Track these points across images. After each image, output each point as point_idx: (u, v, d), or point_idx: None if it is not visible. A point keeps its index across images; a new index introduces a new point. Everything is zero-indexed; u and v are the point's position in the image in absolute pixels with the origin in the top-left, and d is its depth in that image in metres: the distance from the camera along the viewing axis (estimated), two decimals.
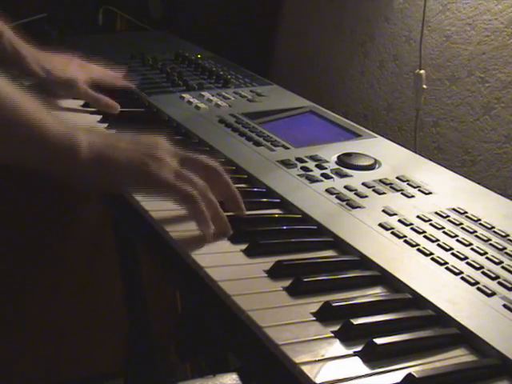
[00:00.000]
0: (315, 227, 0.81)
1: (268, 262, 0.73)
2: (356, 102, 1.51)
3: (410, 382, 0.57)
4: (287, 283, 0.69)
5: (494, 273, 0.72)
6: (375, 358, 0.59)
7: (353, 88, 1.51)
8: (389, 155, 1.02)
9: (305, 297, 0.68)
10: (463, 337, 0.64)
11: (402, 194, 0.89)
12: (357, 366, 0.59)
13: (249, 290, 0.68)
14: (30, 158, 0.78)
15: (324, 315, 0.65)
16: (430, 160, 1.02)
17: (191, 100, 1.22)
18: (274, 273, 0.71)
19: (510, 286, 0.70)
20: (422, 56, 1.29)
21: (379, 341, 0.60)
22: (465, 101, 1.26)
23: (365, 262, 0.75)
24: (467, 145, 1.26)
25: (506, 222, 0.83)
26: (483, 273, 0.72)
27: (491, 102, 1.21)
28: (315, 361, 0.59)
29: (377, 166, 0.98)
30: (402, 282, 0.71)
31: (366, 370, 0.58)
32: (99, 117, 1.13)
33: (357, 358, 0.60)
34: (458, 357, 0.62)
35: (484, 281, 0.71)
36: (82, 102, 1.19)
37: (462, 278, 0.71)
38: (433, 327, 0.65)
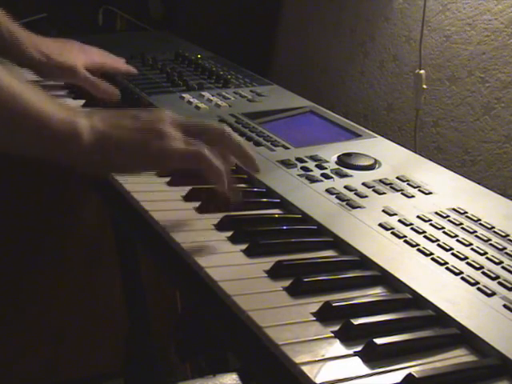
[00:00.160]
0: (315, 227, 0.81)
1: (268, 261, 0.73)
2: (356, 102, 1.51)
3: (410, 382, 0.57)
4: (287, 283, 0.69)
5: (494, 273, 0.72)
6: (375, 357, 0.59)
7: (353, 88, 1.51)
8: (389, 155, 1.02)
9: (305, 297, 0.68)
10: (463, 337, 0.64)
11: (402, 193, 0.89)
12: (357, 366, 0.59)
13: (249, 290, 0.68)
14: (30, 146, 0.77)
15: (324, 315, 0.65)
16: (430, 160, 1.02)
17: (191, 100, 1.22)
18: (274, 273, 0.71)
19: (510, 285, 0.70)
20: (421, 56, 1.29)
21: (379, 341, 0.60)
22: (465, 101, 1.26)
23: (365, 262, 0.75)
24: (467, 145, 1.26)
25: (506, 222, 0.83)
26: (483, 273, 0.72)
27: (491, 102, 1.21)
28: (315, 361, 0.59)
29: (377, 165, 0.98)
30: (402, 282, 0.71)
31: (366, 370, 0.58)
32: None
33: (357, 357, 0.60)
34: (458, 357, 0.62)
35: (484, 281, 0.71)
36: (81, 103, 1.19)
37: (462, 278, 0.71)
38: (433, 327, 0.65)
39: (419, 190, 0.91)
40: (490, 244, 0.78)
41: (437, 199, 0.89)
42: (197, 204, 0.84)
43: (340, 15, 1.54)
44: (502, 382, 0.59)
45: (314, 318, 0.65)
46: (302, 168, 0.95)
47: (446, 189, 0.92)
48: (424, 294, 0.68)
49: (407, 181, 0.93)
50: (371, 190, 0.90)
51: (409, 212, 0.84)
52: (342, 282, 0.71)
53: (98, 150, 0.78)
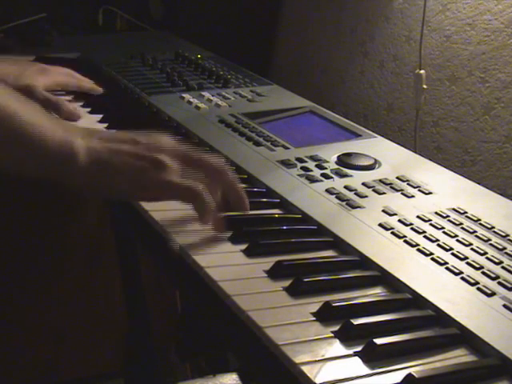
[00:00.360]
0: (315, 227, 0.81)
1: (268, 262, 0.73)
2: (356, 102, 1.51)
3: (410, 382, 0.57)
4: (287, 283, 0.69)
5: (494, 273, 0.72)
6: (375, 358, 0.59)
7: (353, 88, 1.51)
8: (389, 155, 1.02)
9: (305, 297, 0.68)
10: (463, 337, 0.64)
11: (402, 193, 0.89)
12: (357, 366, 0.59)
13: (249, 290, 0.68)
14: (25, 165, 0.76)
15: (324, 315, 0.65)
16: (430, 160, 1.02)
17: (191, 100, 1.22)
18: (274, 273, 0.71)
19: (510, 285, 0.70)
20: (421, 56, 1.29)
21: (379, 341, 0.60)
22: (465, 101, 1.26)
23: (365, 262, 0.75)
24: (467, 145, 1.26)
25: (506, 222, 0.83)
26: (483, 273, 0.72)
27: (491, 101, 1.21)
28: (315, 361, 0.59)
29: (377, 166, 0.98)
30: (402, 282, 0.71)
31: (366, 370, 0.58)
32: (99, 116, 1.13)
33: (357, 358, 0.60)
34: (458, 357, 0.62)
35: (484, 281, 0.71)
36: (81, 103, 1.19)
37: (462, 278, 0.71)
38: (433, 327, 0.65)
39: (419, 190, 0.91)
40: (490, 244, 0.78)
41: (437, 199, 0.89)
42: None
43: (340, 15, 1.54)
44: (502, 382, 0.59)
45: (314, 318, 0.65)
46: (302, 168, 0.95)
47: (446, 189, 0.92)
48: (424, 294, 0.68)
49: (407, 181, 0.93)
50: (371, 190, 0.90)
51: (409, 212, 0.84)
52: (342, 281, 0.71)
53: (93, 172, 0.77)
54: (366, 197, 0.88)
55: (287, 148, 1.03)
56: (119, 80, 1.33)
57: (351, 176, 0.94)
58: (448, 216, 0.84)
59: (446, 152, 1.30)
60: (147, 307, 1.67)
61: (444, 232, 0.80)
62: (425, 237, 0.79)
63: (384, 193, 0.90)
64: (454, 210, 0.85)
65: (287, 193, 0.88)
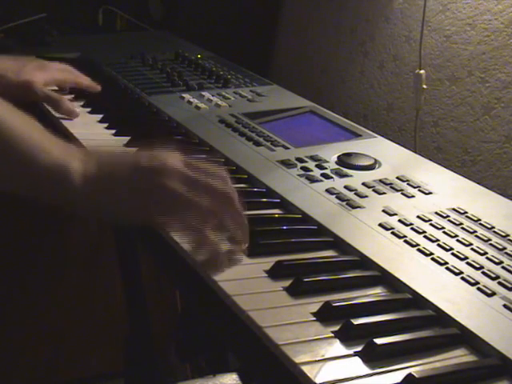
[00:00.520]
0: (315, 227, 0.81)
1: (268, 262, 0.73)
2: (356, 102, 1.51)
3: (410, 382, 0.57)
4: (287, 283, 0.69)
5: (494, 273, 0.72)
6: (375, 358, 0.59)
7: (353, 88, 1.51)
8: (389, 155, 1.02)
9: (305, 297, 0.68)
10: (463, 337, 0.64)
11: (402, 193, 0.89)
12: (357, 366, 0.59)
13: (249, 290, 0.68)
14: (16, 183, 0.74)
15: (324, 315, 0.65)
16: (430, 160, 1.02)
17: (191, 100, 1.22)
18: (274, 273, 0.71)
19: (510, 285, 0.70)
20: (421, 56, 1.29)
21: (379, 341, 0.60)
22: (465, 101, 1.26)
23: (365, 262, 0.75)
24: (467, 145, 1.26)
25: (506, 222, 0.83)
26: (483, 273, 0.72)
27: (491, 101, 1.21)
28: (315, 361, 0.59)
29: (377, 166, 0.98)
30: (402, 281, 0.71)
31: (366, 370, 0.58)
32: (99, 116, 1.13)
33: (357, 358, 0.60)
34: (458, 357, 0.62)
35: (484, 281, 0.71)
36: (81, 102, 1.19)
37: (462, 278, 0.71)
38: (433, 327, 0.65)
39: (419, 190, 0.91)
40: (490, 244, 0.78)
41: (437, 199, 0.89)
42: None
43: (340, 15, 1.54)
44: (502, 382, 0.59)
45: (314, 318, 0.65)
46: (301, 168, 0.95)
47: (446, 189, 0.92)
48: (424, 294, 0.68)
49: (407, 181, 0.93)
50: (371, 190, 0.90)
51: (409, 212, 0.84)
52: (342, 281, 0.71)
53: (88, 198, 0.73)
54: (366, 197, 0.88)
55: (287, 148, 1.03)
56: (119, 80, 1.33)
57: (351, 176, 0.94)
58: (448, 216, 0.84)
59: (446, 152, 1.30)
60: (147, 307, 1.67)
61: (444, 232, 0.80)
62: (425, 237, 0.79)
63: (384, 193, 0.90)
64: (454, 210, 0.85)
65: (287, 193, 0.88)
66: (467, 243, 0.78)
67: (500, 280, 0.71)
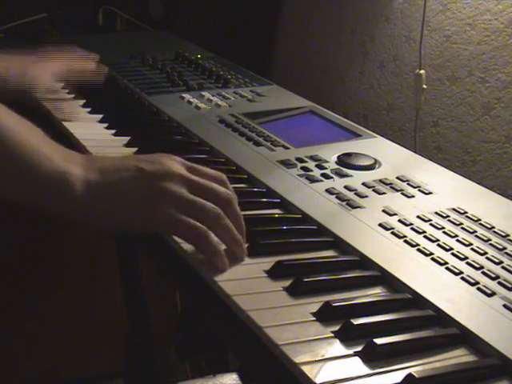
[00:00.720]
0: (315, 227, 0.81)
1: (268, 262, 0.73)
2: (356, 101, 1.51)
3: (410, 382, 0.57)
4: (287, 283, 0.69)
5: (494, 273, 0.72)
6: (375, 358, 0.59)
7: (353, 88, 1.51)
8: (389, 155, 1.02)
9: (305, 297, 0.68)
10: (463, 337, 0.64)
11: (402, 193, 0.89)
12: (357, 366, 0.59)
13: (249, 290, 0.68)
14: (16, 191, 0.72)
15: (324, 315, 0.65)
16: (430, 160, 1.02)
17: (191, 100, 1.22)
18: (274, 273, 0.71)
19: (510, 285, 0.70)
20: (421, 56, 1.29)
21: (379, 341, 0.60)
22: (465, 101, 1.26)
23: (365, 262, 0.75)
24: (467, 145, 1.26)
25: (506, 222, 0.83)
26: (483, 273, 0.72)
27: (491, 102, 1.21)
28: (315, 361, 0.59)
29: (377, 166, 0.98)
30: (402, 281, 0.71)
31: (366, 370, 0.58)
32: (99, 116, 1.13)
33: (357, 358, 0.60)
34: (458, 357, 0.62)
35: (484, 281, 0.71)
36: (81, 102, 1.19)
37: (462, 278, 0.71)
38: (433, 327, 0.65)
39: (419, 190, 0.91)
40: (490, 244, 0.78)
41: (437, 199, 0.89)
42: None
43: (340, 15, 1.54)
44: (502, 382, 0.59)
45: (314, 318, 0.64)
46: (302, 168, 0.95)
47: (446, 189, 0.92)
48: (424, 294, 0.68)
49: (407, 181, 0.93)
50: (371, 190, 0.90)
51: (409, 212, 0.84)
52: (342, 281, 0.71)
53: (91, 205, 0.72)
54: (366, 197, 0.88)
55: (287, 148, 1.03)
56: (119, 80, 1.33)
57: (351, 176, 0.94)
58: (448, 216, 0.84)
59: (446, 152, 1.30)
60: (147, 308, 1.67)
61: (444, 232, 0.80)
62: (425, 237, 0.79)
63: (384, 193, 0.90)
64: (454, 210, 0.85)
65: (287, 193, 0.88)
66: (467, 243, 0.78)
67: (500, 280, 0.71)
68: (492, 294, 0.69)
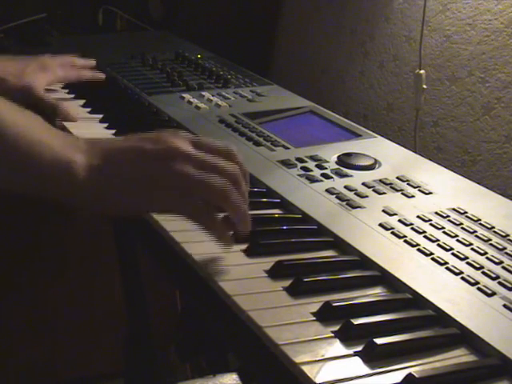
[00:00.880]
0: (315, 227, 0.81)
1: (268, 262, 0.73)
2: (356, 102, 1.51)
3: (410, 382, 0.57)
4: (287, 283, 0.69)
5: (494, 273, 0.72)
6: (375, 357, 0.59)
7: (353, 88, 1.51)
8: (389, 155, 1.02)
9: (305, 297, 0.68)
10: (463, 337, 0.64)
11: (402, 193, 0.89)
12: (357, 366, 0.59)
13: (249, 290, 0.68)
14: (18, 181, 0.71)
15: (324, 315, 0.65)
16: (430, 160, 1.02)
17: (191, 100, 1.22)
18: (274, 273, 0.71)
19: (509, 285, 0.70)
20: (421, 56, 1.29)
21: (379, 341, 0.60)
22: (465, 101, 1.26)
23: (365, 262, 0.75)
24: (467, 145, 1.26)
25: (506, 222, 0.83)
26: (483, 273, 0.72)
27: (491, 102, 1.21)
28: (315, 361, 0.59)
29: (377, 166, 0.98)
30: (402, 281, 0.71)
31: (366, 369, 0.58)
32: (99, 116, 1.13)
33: (357, 357, 0.60)
34: (458, 357, 0.62)
35: (484, 281, 0.71)
36: (81, 102, 1.19)
37: (462, 278, 0.71)
38: (433, 327, 0.65)
39: (419, 190, 0.91)
40: (490, 244, 0.78)
41: (437, 199, 0.89)
42: None
43: (340, 15, 1.54)
44: (502, 382, 0.59)
45: (314, 318, 0.65)
46: (302, 168, 0.95)
47: (446, 189, 0.92)
48: (424, 294, 0.68)
49: (407, 181, 0.93)
50: (371, 190, 0.90)
51: (409, 212, 0.84)
52: (341, 282, 0.71)
53: (94, 190, 0.71)
54: (366, 197, 0.88)
55: (287, 148, 1.03)
56: (119, 80, 1.33)
57: (351, 176, 0.94)
58: (448, 216, 0.84)
59: (446, 152, 1.30)
60: (147, 307, 1.67)
61: (444, 232, 0.80)
62: (425, 237, 0.79)
63: (384, 193, 0.90)
64: (454, 210, 0.85)
65: (287, 193, 0.88)
66: (467, 243, 0.78)
67: (500, 280, 0.71)
68: (492, 294, 0.69)
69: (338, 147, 1.03)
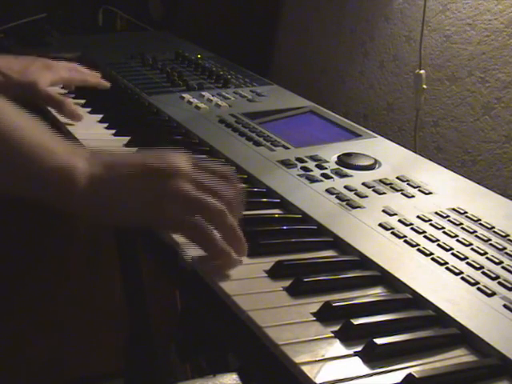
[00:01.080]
0: (315, 227, 0.81)
1: (268, 262, 0.73)
2: (356, 102, 1.51)
3: (410, 382, 0.57)
4: (287, 283, 0.69)
5: (494, 273, 0.72)
6: (375, 358, 0.59)
7: (353, 88, 1.51)
8: (389, 155, 1.02)
9: (305, 297, 0.68)
10: (463, 337, 0.64)
11: (402, 194, 0.89)
12: (357, 366, 0.59)
13: (249, 290, 0.68)
14: (18, 186, 0.71)
15: (324, 315, 0.65)
16: (430, 160, 1.02)
17: (191, 100, 1.22)
18: (274, 273, 0.71)
19: (510, 285, 0.70)
20: (421, 56, 1.29)
21: (379, 341, 0.60)
22: (465, 101, 1.26)
23: (365, 262, 0.75)
24: (467, 145, 1.26)
25: (506, 222, 0.83)
26: (483, 273, 0.72)
27: (491, 102, 1.21)
28: (315, 361, 0.59)
29: (377, 166, 0.98)
30: (402, 281, 0.71)
31: (366, 370, 0.58)
32: (99, 116, 1.13)
33: (357, 358, 0.60)
34: (458, 357, 0.62)
35: (484, 281, 0.71)
36: (81, 102, 1.19)
37: (462, 278, 0.71)
38: (433, 327, 0.65)
39: (419, 190, 0.91)
40: (490, 244, 0.78)
41: (437, 199, 0.89)
42: None
43: (340, 15, 1.54)
44: (502, 382, 0.59)
45: (314, 318, 0.65)
46: (302, 168, 0.95)
47: (446, 189, 0.92)
48: (424, 294, 0.68)
49: (407, 181, 0.93)
50: (371, 190, 0.90)
51: (409, 212, 0.84)
52: (342, 281, 0.71)
53: (94, 200, 0.71)
54: (366, 197, 0.88)
55: (287, 148, 1.03)
56: (119, 80, 1.33)
57: (351, 176, 0.94)
58: (448, 216, 0.84)
59: (446, 152, 1.30)
60: (147, 307, 1.67)
61: (444, 232, 0.80)
62: (425, 237, 0.79)
63: (384, 193, 0.90)
64: (453, 210, 0.85)
65: (287, 193, 0.88)
66: (467, 243, 0.78)
67: (500, 280, 0.71)
68: (492, 294, 0.69)
69: (338, 147, 1.03)
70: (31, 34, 1.63)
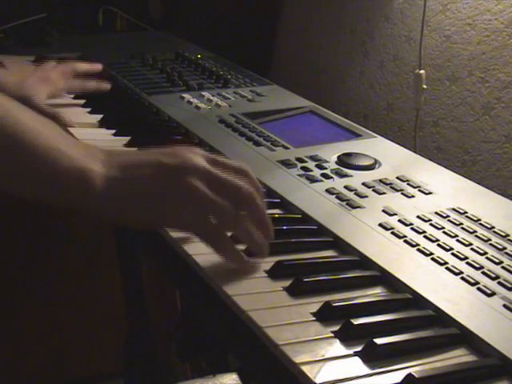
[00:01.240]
0: (315, 227, 0.81)
1: (268, 262, 0.73)
2: (356, 102, 1.51)
3: (410, 382, 0.57)
4: (287, 283, 0.69)
5: (494, 273, 0.72)
6: (375, 358, 0.59)
7: (353, 88, 1.51)
8: (389, 155, 1.02)
9: (305, 297, 0.68)
10: (463, 337, 0.64)
11: (402, 194, 0.89)
12: (357, 366, 0.59)
13: (249, 290, 0.68)
14: (34, 189, 0.71)
15: (324, 315, 0.65)
16: (430, 160, 1.02)
17: (191, 100, 1.22)
18: (274, 273, 0.71)
19: (510, 285, 0.70)
20: (421, 56, 1.29)
21: (379, 341, 0.60)
22: (465, 101, 1.26)
23: (365, 262, 0.75)
24: (467, 145, 1.26)
25: (506, 222, 0.83)
26: (483, 273, 0.72)
27: (491, 102, 1.21)
28: (315, 361, 0.59)
29: (377, 166, 0.98)
30: (402, 281, 0.71)
31: (366, 370, 0.58)
32: (99, 116, 1.13)
33: (357, 358, 0.60)
34: (458, 357, 0.62)
35: (484, 281, 0.71)
36: (81, 102, 1.19)
37: (462, 278, 0.71)
38: (433, 327, 0.65)
39: (419, 190, 0.91)
40: (490, 244, 0.78)
41: (437, 199, 0.89)
42: None
43: (340, 15, 1.54)
44: (502, 382, 0.59)
45: (314, 318, 0.65)
46: (302, 168, 0.95)
47: (446, 189, 0.92)
48: (424, 294, 0.68)
49: (407, 181, 0.93)
50: (371, 190, 0.90)
51: (409, 212, 0.84)
52: (342, 281, 0.71)
53: (110, 202, 0.70)
54: (366, 197, 0.88)
55: (287, 148, 1.03)
56: (119, 80, 1.33)
57: (351, 176, 0.94)
58: (448, 216, 0.84)
59: (446, 152, 1.30)
60: (147, 307, 1.67)
61: (444, 232, 0.80)
62: (425, 237, 0.79)
63: (384, 193, 0.90)
64: (453, 210, 0.85)
65: (287, 193, 0.88)
66: (467, 243, 0.78)
67: (500, 280, 0.71)
68: (492, 294, 0.69)
69: (338, 147, 1.03)
70: (31, 33, 1.63)
